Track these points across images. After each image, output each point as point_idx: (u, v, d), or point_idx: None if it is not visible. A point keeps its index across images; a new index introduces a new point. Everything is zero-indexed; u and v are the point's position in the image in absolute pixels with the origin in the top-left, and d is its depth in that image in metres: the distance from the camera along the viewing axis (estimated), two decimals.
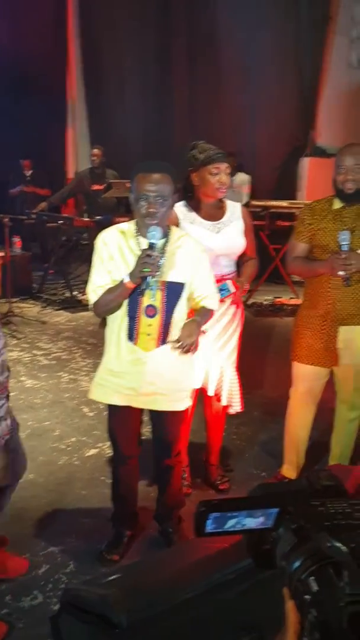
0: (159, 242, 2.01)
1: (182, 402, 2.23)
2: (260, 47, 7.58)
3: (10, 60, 8.09)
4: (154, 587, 1.41)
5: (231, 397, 2.65)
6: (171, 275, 2.06)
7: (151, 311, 2.06)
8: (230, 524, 0.72)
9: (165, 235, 2.07)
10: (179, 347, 2.09)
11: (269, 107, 7.58)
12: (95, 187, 6.70)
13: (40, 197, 7.37)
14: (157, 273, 1.98)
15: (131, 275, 1.96)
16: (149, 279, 1.94)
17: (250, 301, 6.25)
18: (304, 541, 0.70)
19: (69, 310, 5.91)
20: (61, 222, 6.37)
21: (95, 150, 6.78)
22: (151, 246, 1.94)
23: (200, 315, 2.19)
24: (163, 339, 2.09)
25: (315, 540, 0.69)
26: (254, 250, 2.66)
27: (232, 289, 2.53)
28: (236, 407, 2.68)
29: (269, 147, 7.69)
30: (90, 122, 9.36)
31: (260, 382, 4.15)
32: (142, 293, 2.01)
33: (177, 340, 2.09)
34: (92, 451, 3.16)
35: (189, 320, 2.14)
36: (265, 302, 6.35)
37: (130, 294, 2.03)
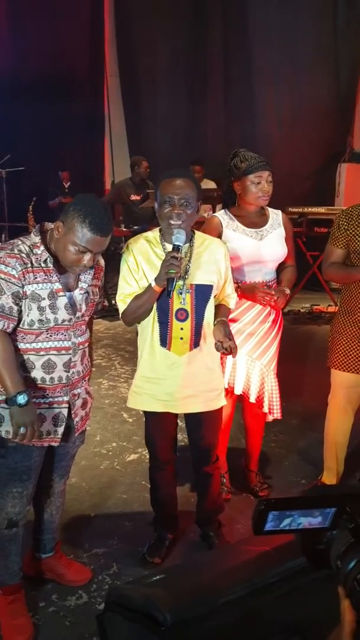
0: (184, 245, 2.06)
1: (217, 401, 2.25)
2: (297, 52, 7.56)
3: (48, 71, 8.29)
4: (196, 589, 1.43)
5: (271, 404, 2.66)
6: (199, 278, 2.11)
7: (182, 315, 2.10)
8: (285, 522, 0.74)
9: (190, 239, 2.12)
10: (223, 349, 2.06)
11: (305, 113, 7.54)
12: (134, 197, 6.80)
13: None
14: (185, 276, 2.02)
15: (157, 278, 2.01)
16: (177, 281, 1.98)
17: (287, 309, 6.22)
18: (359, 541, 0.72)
19: (108, 319, 6.02)
20: None
21: (145, 162, 6.82)
22: (176, 248, 1.99)
23: (224, 315, 2.21)
24: (196, 341, 2.13)
25: None
26: (293, 258, 2.68)
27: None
28: (276, 414, 2.69)
29: (306, 153, 7.65)
30: (127, 133, 9.50)
31: (299, 390, 4.13)
32: (170, 297, 2.02)
33: (220, 342, 2.07)
34: (133, 456, 3.22)
35: (218, 320, 2.16)
36: (302, 310, 6.31)
37: (158, 298, 2.07)
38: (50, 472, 2.08)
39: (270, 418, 2.73)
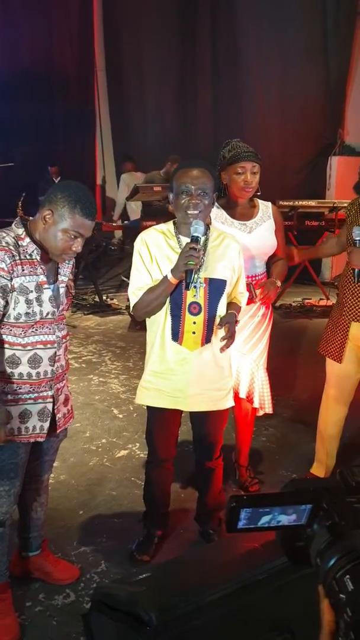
0: (202, 237, 2.01)
1: (226, 401, 2.22)
2: (286, 46, 7.50)
3: (37, 67, 8.24)
4: (183, 586, 1.41)
5: (262, 399, 2.63)
6: (214, 272, 2.07)
7: (195, 308, 2.05)
8: (264, 520, 0.71)
9: (205, 232, 2.06)
10: (224, 340, 2.04)
11: (296, 107, 7.50)
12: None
13: None
14: (200, 268, 1.98)
15: (174, 270, 1.96)
16: (193, 274, 1.94)
17: (279, 303, 6.20)
18: (338, 538, 0.69)
19: (99, 315, 5.97)
20: None
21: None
22: (195, 239, 1.94)
23: (234, 309, 2.17)
24: (207, 336, 2.09)
25: (350, 537, 0.68)
26: (284, 250, 2.64)
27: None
28: (267, 409, 2.67)
29: (296, 146, 7.61)
30: (113, 129, 9.47)
31: (290, 384, 4.11)
32: (188, 288, 1.98)
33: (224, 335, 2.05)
34: (122, 452, 3.19)
35: (227, 313, 2.12)
36: (294, 304, 6.29)
37: (173, 291, 2.03)
38: (34, 467, 2.05)
39: (261, 412, 2.70)
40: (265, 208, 2.57)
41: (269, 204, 2.62)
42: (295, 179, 7.62)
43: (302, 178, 7.68)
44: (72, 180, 1.87)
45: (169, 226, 2.12)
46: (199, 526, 2.46)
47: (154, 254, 2.06)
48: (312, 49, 7.36)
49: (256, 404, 2.63)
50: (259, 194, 2.52)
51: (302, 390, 3.97)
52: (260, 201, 2.57)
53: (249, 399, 2.63)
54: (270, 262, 2.60)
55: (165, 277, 2.00)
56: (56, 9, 8.52)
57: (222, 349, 2.08)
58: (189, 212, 1.98)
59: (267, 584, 1.36)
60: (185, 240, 2.04)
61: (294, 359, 4.64)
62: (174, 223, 2.11)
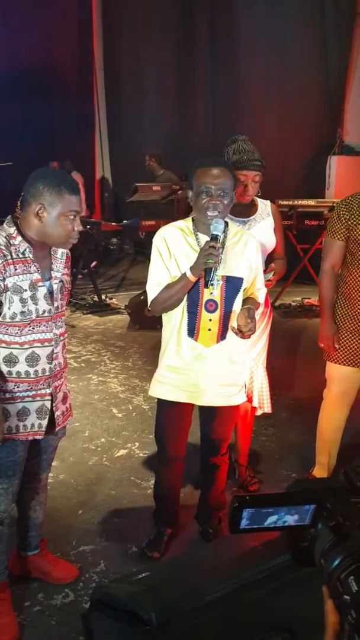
0: (221, 235, 2.01)
1: (237, 397, 2.22)
2: (285, 46, 7.49)
3: (36, 66, 8.23)
4: (183, 585, 1.40)
5: (261, 398, 2.63)
6: (231, 270, 2.07)
7: (212, 306, 2.06)
8: (266, 521, 0.71)
9: (223, 230, 2.06)
10: (239, 332, 2.02)
11: (295, 107, 7.49)
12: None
13: None
14: (218, 266, 1.98)
15: (194, 267, 1.97)
16: (212, 272, 1.94)
17: (278, 302, 6.19)
18: (342, 539, 0.68)
19: (98, 314, 5.96)
20: (89, 227, 6.44)
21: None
22: (215, 238, 1.94)
23: (251, 305, 2.15)
24: (223, 334, 2.09)
25: (354, 538, 0.68)
26: (283, 249, 2.64)
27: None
28: (266, 408, 2.66)
29: (296, 146, 7.60)
30: (109, 127, 9.46)
31: (289, 384, 4.10)
32: (207, 286, 1.98)
33: (238, 328, 2.03)
34: (122, 452, 3.18)
35: (244, 307, 2.11)
36: (293, 303, 6.28)
37: (191, 288, 2.03)
38: (33, 466, 2.04)
39: (260, 412, 2.70)
40: (264, 206, 2.56)
41: (268, 202, 2.61)
42: (294, 178, 7.61)
43: (302, 178, 7.67)
44: (39, 168, 1.88)
45: (187, 223, 2.12)
46: (198, 525, 2.46)
47: (172, 250, 2.06)
48: (311, 48, 7.36)
49: (255, 403, 2.63)
50: (259, 194, 2.52)
51: (302, 390, 3.97)
52: (259, 199, 2.57)
53: (248, 398, 2.62)
54: (269, 261, 2.59)
55: (184, 274, 2.00)
56: (55, 9, 8.52)
57: (241, 335, 2.03)
58: (208, 213, 1.99)
59: (266, 583, 1.35)
60: (203, 237, 2.04)
61: (293, 358, 4.63)
62: (193, 220, 2.11)
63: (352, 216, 2.45)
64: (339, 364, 2.58)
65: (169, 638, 1.29)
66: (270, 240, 2.52)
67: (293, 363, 4.52)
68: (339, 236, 2.50)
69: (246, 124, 7.58)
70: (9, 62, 8.06)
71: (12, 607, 1.99)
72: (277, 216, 2.58)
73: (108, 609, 1.41)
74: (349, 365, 2.56)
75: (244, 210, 2.50)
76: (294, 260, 5.89)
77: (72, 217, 1.78)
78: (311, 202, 6.16)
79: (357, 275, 2.48)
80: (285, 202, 5.93)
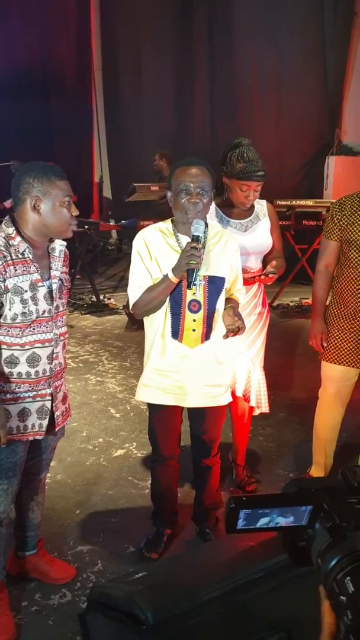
0: (202, 236, 2.00)
1: (225, 397, 2.22)
2: (283, 46, 7.50)
3: (35, 67, 8.23)
4: (180, 585, 1.40)
5: (259, 398, 2.63)
6: (212, 269, 2.06)
7: (195, 306, 2.05)
8: (263, 521, 0.71)
9: (205, 230, 2.05)
10: (229, 331, 2.02)
11: (293, 107, 7.49)
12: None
13: None
14: (200, 266, 1.97)
15: (175, 269, 1.96)
16: (195, 272, 1.93)
17: (276, 303, 6.20)
18: (339, 540, 0.68)
19: (96, 315, 5.97)
20: (87, 227, 6.44)
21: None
22: (196, 239, 1.94)
23: (233, 305, 2.16)
24: (207, 333, 2.09)
25: (351, 539, 0.68)
26: (280, 248, 2.64)
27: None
28: (263, 408, 2.66)
29: (294, 146, 7.61)
30: (107, 126, 9.46)
31: (287, 383, 4.11)
32: (183, 289, 1.99)
33: (227, 328, 2.03)
34: (119, 452, 3.18)
35: (227, 307, 2.12)
36: (291, 304, 6.29)
37: (173, 289, 2.02)
38: (32, 466, 2.04)
39: (257, 412, 2.70)
40: (260, 207, 2.56)
41: (264, 202, 2.61)
42: (292, 178, 7.62)
43: (300, 178, 7.68)
44: (20, 164, 1.89)
45: (167, 225, 2.11)
46: (195, 525, 2.46)
47: (153, 252, 2.05)
48: (310, 48, 7.36)
49: (253, 403, 2.63)
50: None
51: (299, 390, 3.97)
52: (255, 200, 2.57)
53: (246, 397, 2.62)
54: (267, 259, 2.59)
55: (166, 276, 1.99)
56: (53, 9, 8.52)
57: (227, 336, 2.04)
58: (188, 212, 1.98)
59: (263, 582, 1.36)
60: (184, 238, 2.03)
61: (290, 358, 4.64)
62: (172, 221, 2.11)
63: (344, 217, 2.46)
64: (332, 363, 2.59)
65: (165, 638, 1.29)
66: (267, 241, 2.52)
67: (291, 363, 4.52)
68: (332, 236, 2.51)
69: (245, 125, 7.60)
70: (8, 61, 8.05)
71: (9, 607, 1.98)
72: (273, 216, 2.59)
73: (105, 608, 1.41)
74: (341, 364, 2.56)
75: (240, 212, 2.50)
76: (291, 261, 5.90)
77: (67, 202, 1.80)
78: (309, 203, 6.16)
79: (349, 275, 2.49)
80: (284, 202, 5.94)
